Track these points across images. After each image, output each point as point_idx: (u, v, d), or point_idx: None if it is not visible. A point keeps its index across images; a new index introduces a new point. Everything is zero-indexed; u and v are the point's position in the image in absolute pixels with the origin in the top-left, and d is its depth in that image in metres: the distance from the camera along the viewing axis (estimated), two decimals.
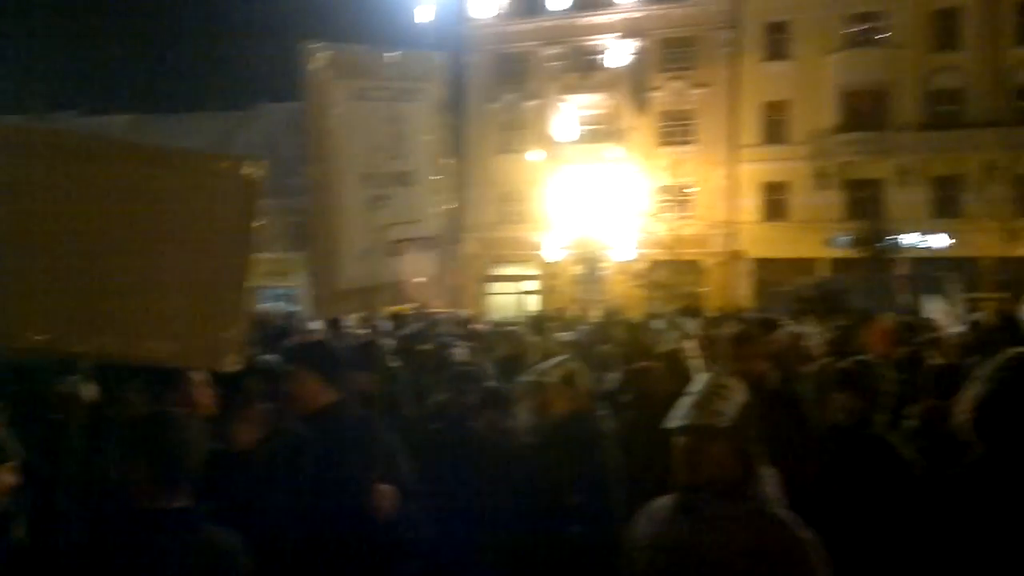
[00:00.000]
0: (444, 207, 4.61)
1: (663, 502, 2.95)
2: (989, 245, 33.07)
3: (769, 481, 2.87)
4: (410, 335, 8.66)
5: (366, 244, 4.17)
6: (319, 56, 4.18)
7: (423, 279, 4.40)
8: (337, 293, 4.02)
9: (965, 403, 2.71)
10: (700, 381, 3.02)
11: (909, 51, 37.66)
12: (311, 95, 4.11)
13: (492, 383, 5.72)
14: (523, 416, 4.91)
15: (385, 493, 3.85)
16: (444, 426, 5.47)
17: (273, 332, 9.32)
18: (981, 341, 7.86)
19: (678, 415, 2.85)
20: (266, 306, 18.53)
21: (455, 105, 43.30)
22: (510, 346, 7.96)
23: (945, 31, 37.75)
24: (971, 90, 37.07)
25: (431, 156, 4.58)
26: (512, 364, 7.07)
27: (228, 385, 4.28)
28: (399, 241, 4.28)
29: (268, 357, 5.29)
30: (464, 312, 18.09)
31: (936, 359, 7.31)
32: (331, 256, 4.09)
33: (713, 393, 2.89)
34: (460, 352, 7.99)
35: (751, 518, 2.76)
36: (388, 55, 4.47)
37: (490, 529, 4.47)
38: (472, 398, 5.74)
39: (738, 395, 2.91)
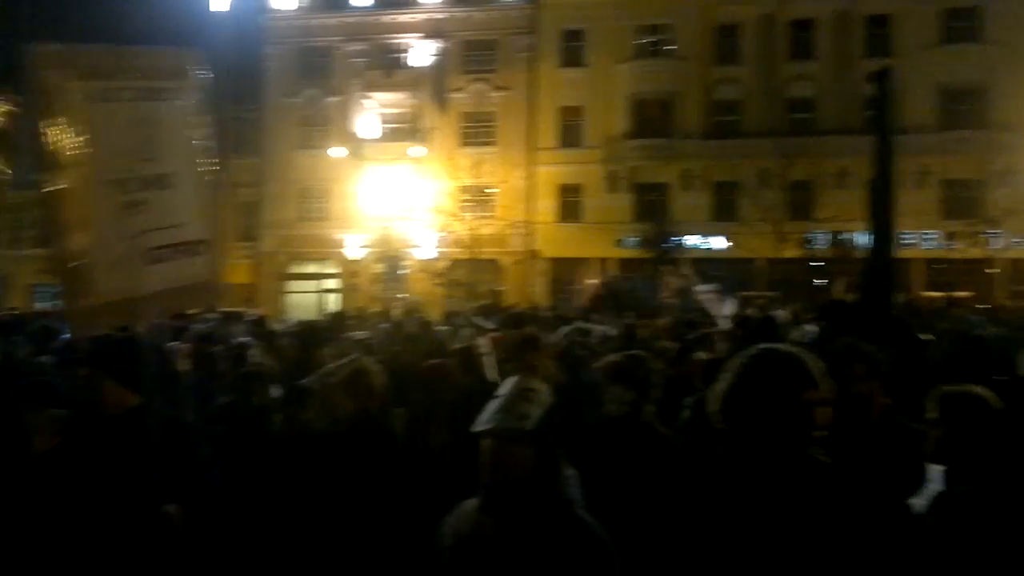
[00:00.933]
0: (211, 208, 4.39)
1: (470, 503, 3.00)
2: (763, 247, 35.21)
3: (571, 482, 2.95)
4: (200, 337, 8.40)
5: (121, 253, 3.95)
6: (46, 57, 3.91)
7: (191, 285, 4.22)
8: (92, 308, 3.80)
9: (714, 395, 2.89)
10: (507, 384, 3.07)
11: (694, 63, 39.71)
12: (41, 100, 3.84)
13: (294, 382, 5.67)
14: (311, 416, 4.88)
15: (171, 513, 3.81)
16: (229, 428, 5.36)
17: (41, 333, 8.80)
18: (745, 337, 8.41)
19: (485, 418, 2.89)
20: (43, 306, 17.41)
21: (253, 99, 42.10)
22: (302, 346, 7.87)
23: (726, 46, 40.12)
24: (749, 102, 39.53)
25: (193, 156, 4.36)
26: (304, 364, 7.00)
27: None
28: (159, 248, 4.09)
29: (44, 359, 5.02)
30: (257, 311, 17.60)
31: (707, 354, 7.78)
32: (81, 269, 3.86)
33: (520, 396, 2.94)
34: (253, 353, 7.83)
35: (554, 518, 2.84)
36: (130, 53, 4.24)
37: (278, 529, 4.42)
38: (260, 399, 5.65)
39: (544, 398, 2.97)
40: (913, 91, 35.85)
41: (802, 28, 39.35)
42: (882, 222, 5.37)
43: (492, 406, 2.93)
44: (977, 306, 23.64)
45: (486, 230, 38.52)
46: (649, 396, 4.86)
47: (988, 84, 36.85)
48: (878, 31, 38.53)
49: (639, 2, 39.93)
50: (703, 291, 14.30)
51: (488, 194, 40.46)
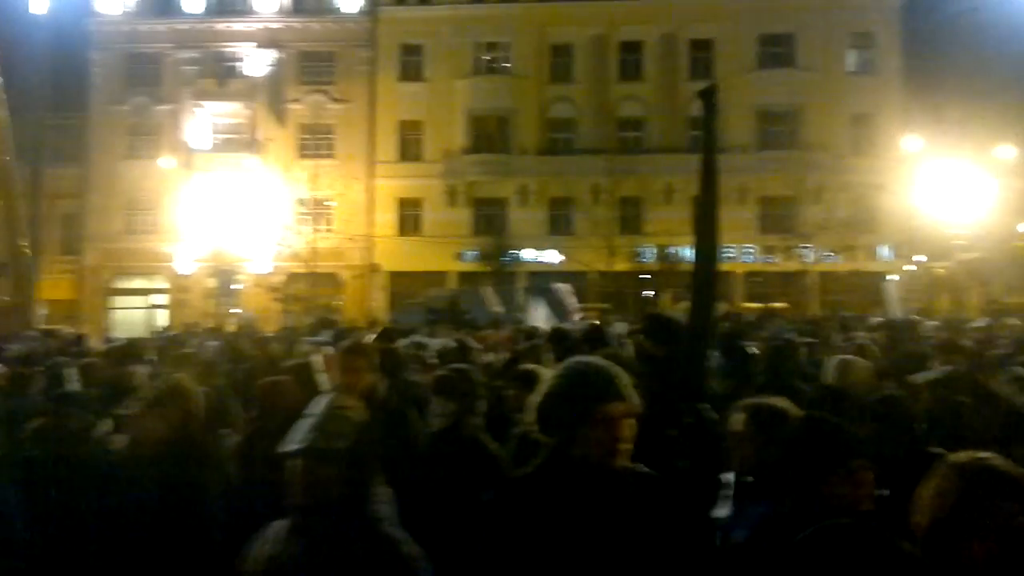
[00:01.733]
0: (10, 228, 4.17)
1: (280, 523, 2.95)
2: (595, 260, 36.16)
3: (383, 499, 2.95)
4: (16, 359, 7.97)
5: None
6: None
7: None
8: None
9: (530, 406, 2.96)
10: (319, 402, 3.04)
11: (529, 81, 40.47)
12: None
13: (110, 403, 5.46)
14: (124, 439, 4.71)
15: None
16: (41, 453, 5.11)
17: None
18: (569, 348, 8.65)
19: (295, 438, 2.86)
20: None
21: (75, 106, 39.99)
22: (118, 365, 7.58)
23: (560, 65, 41.10)
24: (582, 120, 40.61)
25: None
26: (121, 384, 6.75)
27: None
28: None
29: None
30: (76, 330, 16.72)
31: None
32: None
33: (331, 414, 2.92)
34: (68, 373, 7.48)
35: (363, 538, 2.82)
36: None
37: (94, 554, 4.25)
38: (76, 422, 5.41)
39: (356, 415, 2.96)
40: (733, 113, 37.69)
41: (631, 50, 40.77)
42: (707, 237, 5.58)
43: (302, 426, 2.89)
44: (791, 316, 25.02)
45: (324, 243, 37.92)
46: (474, 409, 4.90)
47: (801, 107, 39.18)
48: (701, 55, 40.37)
49: (477, 19, 40.42)
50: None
51: (326, 207, 39.87)
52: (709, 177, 5.55)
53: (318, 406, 2.99)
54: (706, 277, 5.41)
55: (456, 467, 4.54)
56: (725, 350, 9.34)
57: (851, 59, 40.15)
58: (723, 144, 37.40)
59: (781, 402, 3.77)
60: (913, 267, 37.38)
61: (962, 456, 2.23)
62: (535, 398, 2.94)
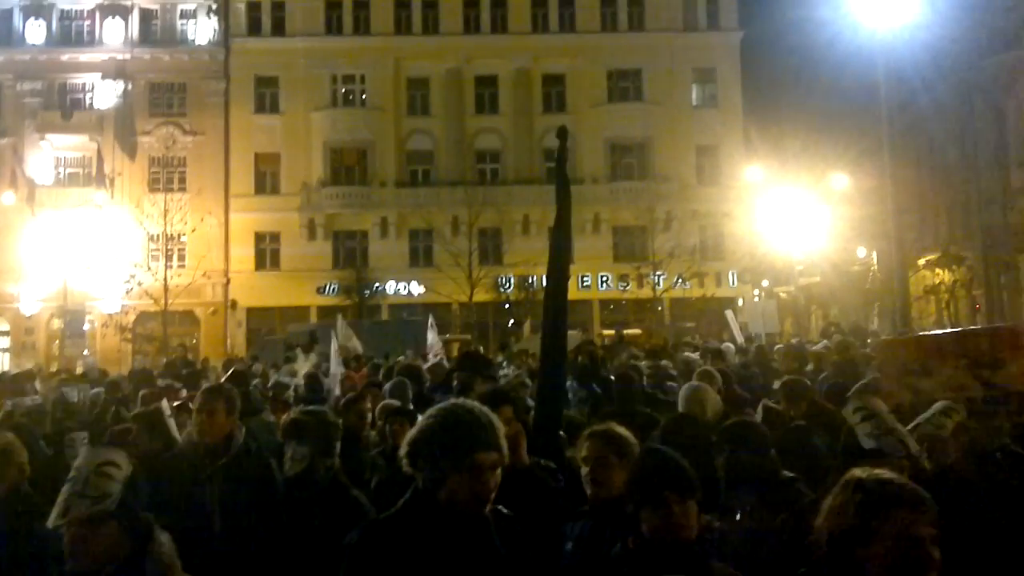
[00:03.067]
0: None
1: None
2: (457, 291, 36.18)
3: (165, 546, 2.85)
4: None
5: None
6: None
7: None
8: None
9: (405, 443, 2.90)
10: (81, 457, 2.94)
11: (387, 114, 40.45)
12: None
13: None
14: None
15: None
16: None
17: None
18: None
19: (60, 507, 2.76)
20: None
21: None
22: None
23: (417, 98, 41.29)
24: (440, 152, 40.81)
25: None
26: None
27: None
28: None
29: None
30: None
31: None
32: None
33: (94, 474, 2.84)
34: None
35: None
36: None
37: None
38: None
39: (122, 470, 2.88)
40: (586, 145, 38.77)
41: (486, 84, 41.35)
42: (561, 266, 5.71)
43: (65, 490, 2.81)
44: (642, 342, 25.64)
45: (178, 280, 36.48)
46: (329, 451, 4.79)
47: (650, 139, 40.55)
48: (554, 89, 41.36)
49: (332, 52, 40.14)
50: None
51: (179, 242, 38.51)
52: (564, 207, 5.70)
53: (80, 461, 2.91)
54: (558, 307, 5.51)
55: (314, 511, 4.45)
56: (580, 378, 9.56)
57: (695, 93, 41.89)
58: (577, 175, 38.54)
59: (624, 431, 3.84)
60: (759, 292, 39.05)
61: (859, 471, 2.37)
62: (411, 434, 2.90)
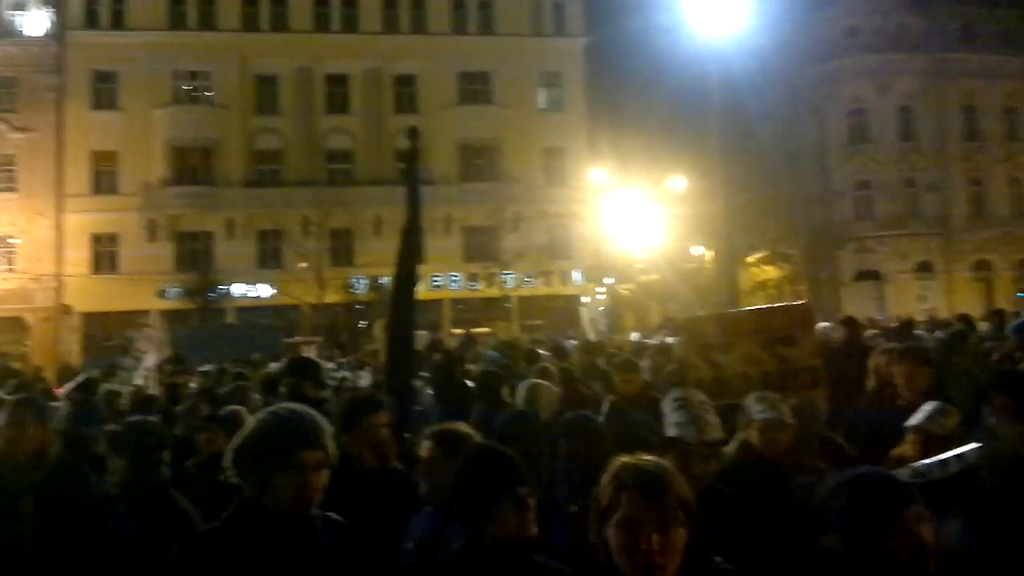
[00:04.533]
0: None
1: None
2: (307, 293, 35.58)
3: None
4: None
5: None
6: None
7: None
8: None
9: (229, 450, 2.83)
10: None
11: (234, 112, 39.21)
12: None
13: None
14: None
15: None
16: None
17: None
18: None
19: None
20: None
21: None
22: None
23: (266, 96, 40.21)
24: (289, 152, 39.90)
25: None
26: None
27: None
28: None
29: None
30: None
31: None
32: None
33: None
34: None
35: None
36: None
37: None
38: None
39: None
40: (437, 146, 38.75)
41: (337, 83, 40.73)
42: (409, 267, 5.69)
43: None
44: (496, 339, 25.86)
45: (6, 285, 34.27)
46: (154, 463, 4.61)
47: (499, 141, 40.90)
48: (405, 90, 41.17)
49: (175, 46, 38.59)
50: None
51: (9, 245, 36.23)
52: (414, 208, 5.70)
53: None
54: (405, 306, 5.49)
55: (140, 524, 4.28)
56: (439, 381, 9.51)
57: (543, 97, 42.51)
58: (429, 176, 38.51)
59: (466, 428, 3.86)
60: (603, 289, 40.10)
61: (621, 459, 2.49)
62: (236, 441, 2.84)
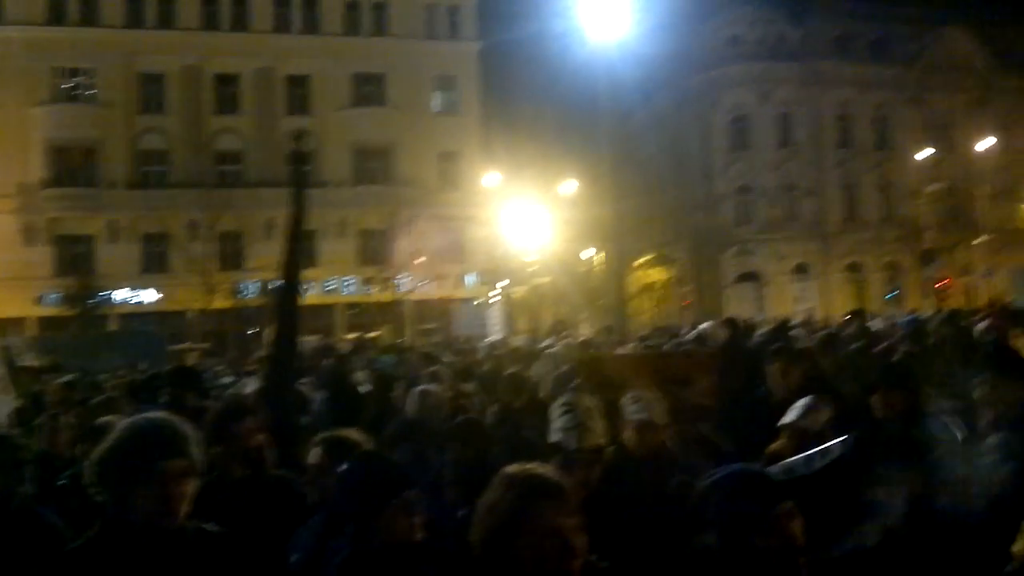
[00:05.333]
0: None
1: None
2: (193, 299, 34.62)
3: None
4: None
5: None
6: None
7: None
8: None
9: (90, 462, 2.74)
10: None
11: (117, 111, 37.85)
12: None
13: None
14: None
15: None
16: None
17: None
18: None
19: None
20: None
21: None
22: None
23: (151, 95, 38.92)
24: (176, 152, 38.73)
25: None
26: None
27: None
28: None
29: None
30: None
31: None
32: None
33: None
34: None
35: None
36: None
37: None
38: None
39: None
40: (331, 148, 38.27)
41: (227, 83, 39.77)
42: (293, 270, 5.60)
43: None
44: (391, 343, 25.68)
45: None
46: (21, 478, 4.41)
47: (393, 144, 40.64)
48: (298, 91, 40.48)
49: (54, 43, 37.00)
50: None
51: None
52: (298, 211, 5.63)
53: None
54: (289, 311, 5.42)
55: (7, 545, 4.08)
56: (331, 388, 9.35)
57: (438, 100, 42.43)
58: (323, 179, 38.01)
59: (355, 434, 3.83)
60: (498, 293, 40.26)
61: (512, 468, 2.39)
62: (97, 453, 2.73)
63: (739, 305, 38.83)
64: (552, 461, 3.53)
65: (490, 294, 39.42)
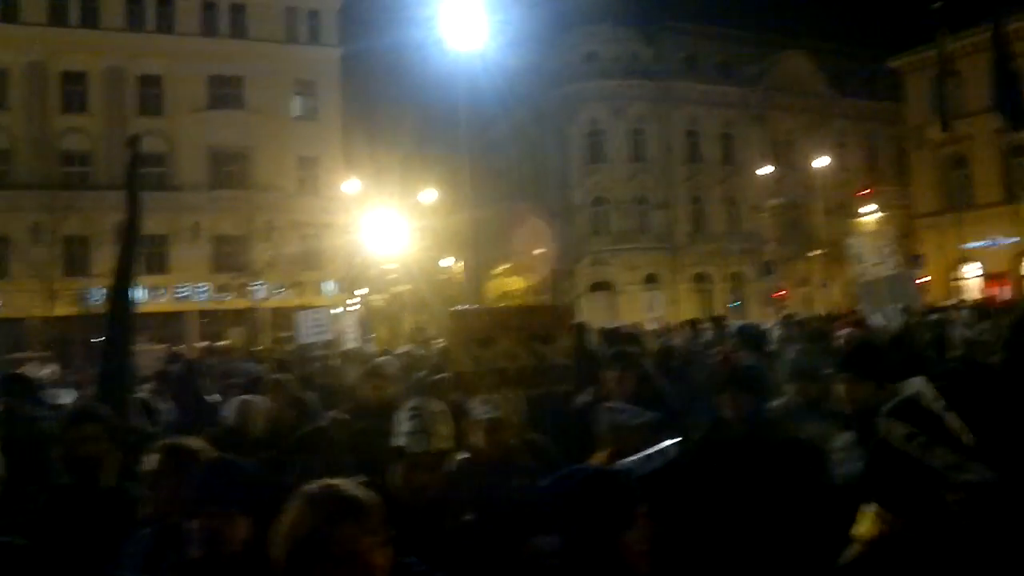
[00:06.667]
0: None
1: None
2: (35, 306, 32.77)
3: None
4: None
5: None
6: None
7: None
8: None
9: None
10: None
11: None
12: None
13: None
14: None
15: None
16: None
17: None
18: None
19: None
20: None
21: None
22: None
23: None
24: (18, 152, 36.45)
25: None
26: None
27: None
28: None
29: None
30: None
31: None
32: None
33: None
34: None
35: None
36: None
37: None
38: None
39: None
40: (185, 151, 36.93)
41: (74, 81, 37.79)
42: (125, 276, 5.39)
43: None
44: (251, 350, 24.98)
45: None
46: None
47: (251, 148, 39.54)
48: (151, 91, 38.84)
49: None
50: None
51: None
52: (133, 215, 5.48)
53: None
54: (122, 319, 5.25)
55: None
56: (176, 397, 9.00)
57: (297, 105, 41.60)
58: (177, 182, 36.65)
59: (195, 443, 3.71)
60: (356, 300, 39.77)
61: (312, 485, 2.26)
62: None
63: (593, 314, 39.51)
64: (395, 465, 3.50)
65: (349, 302, 38.91)
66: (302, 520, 2.18)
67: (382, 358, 10.00)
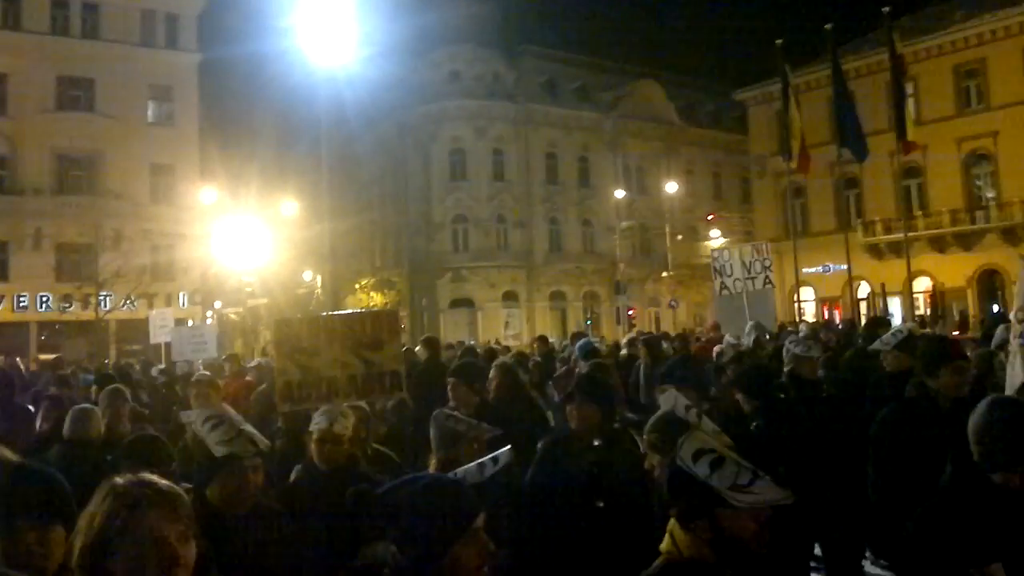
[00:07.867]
0: None
1: None
2: None
3: None
4: None
5: None
6: None
7: None
8: None
9: None
10: None
11: None
12: None
13: None
14: None
15: None
16: None
17: None
18: None
19: None
20: None
21: None
22: None
23: None
24: None
25: None
26: None
27: None
28: None
29: None
30: None
31: None
32: None
33: None
34: None
35: None
36: None
37: None
38: None
39: None
40: (29, 153, 34.96)
41: None
42: None
43: None
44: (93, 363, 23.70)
45: None
46: None
47: (101, 153, 37.69)
48: None
49: None
50: None
51: None
52: None
53: None
54: None
55: None
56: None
57: (152, 110, 39.98)
58: (20, 186, 34.55)
59: (5, 451, 3.55)
60: (211, 314, 38.44)
61: (120, 477, 2.22)
62: None
63: (454, 330, 39.75)
64: (224, 471, 3.43)
65: (204, 315, 37.59)
66: (105, 506, 2.15)
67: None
